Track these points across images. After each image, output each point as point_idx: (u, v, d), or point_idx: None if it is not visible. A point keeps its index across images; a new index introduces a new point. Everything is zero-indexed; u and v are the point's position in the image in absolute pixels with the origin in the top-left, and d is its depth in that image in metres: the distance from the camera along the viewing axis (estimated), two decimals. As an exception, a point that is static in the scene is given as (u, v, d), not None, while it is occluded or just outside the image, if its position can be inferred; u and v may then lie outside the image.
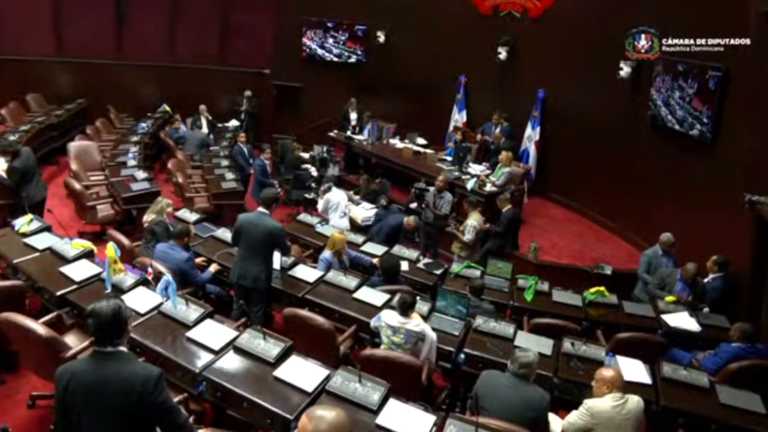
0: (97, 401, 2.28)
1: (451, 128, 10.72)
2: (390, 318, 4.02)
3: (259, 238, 4.54)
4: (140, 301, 3.91)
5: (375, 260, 5.66)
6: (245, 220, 4.65)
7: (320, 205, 7.62)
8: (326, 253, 5.38)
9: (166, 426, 2.42)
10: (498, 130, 9.51)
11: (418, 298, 4.58)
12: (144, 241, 5.44)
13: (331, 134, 10.40)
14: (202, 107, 10.66)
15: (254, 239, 4.55)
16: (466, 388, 4.02)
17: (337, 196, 7.51)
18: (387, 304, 4.58)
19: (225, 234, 5.54)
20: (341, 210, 7.43)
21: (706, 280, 5.67)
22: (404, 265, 5.55)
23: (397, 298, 4.22)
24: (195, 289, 4.84)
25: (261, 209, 4.67)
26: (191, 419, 3.08)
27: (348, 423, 2.03)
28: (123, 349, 2.39)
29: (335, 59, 11.57)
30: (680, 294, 5.54)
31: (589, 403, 3.33)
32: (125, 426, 2.31)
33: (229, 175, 8.10)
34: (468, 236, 6.62)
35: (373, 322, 4.22)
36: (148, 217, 5.57)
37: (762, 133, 5.69)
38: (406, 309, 3.99)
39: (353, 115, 10.63)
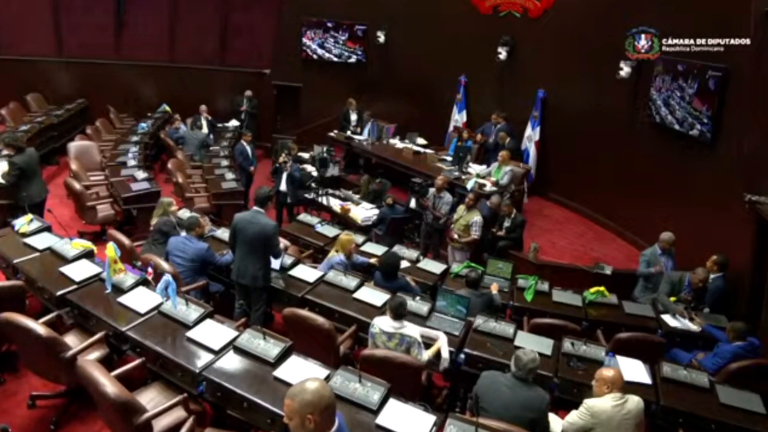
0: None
1: (451, 128, 10.72)
2: (384, 324, 3.93)
3: (254, 236, 4.57)
4: (140, 301, 3.91)
5: (373, 260, 5.65)
6: (241, 219, 4.69)
7: None
8: (339, 257, 5.28)
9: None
10: (497, 128, 9.50)
11: (410, 299, 4.59)
12: (150, 239, 5.46)
13: (331, 134, 10.40)
14: (202, 107, 10.64)
15: (250, 237, 4.58)
16: (466, 388, 4.02)
17: None
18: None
19: (225, 234, 5.53)
20: None
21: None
22: (404, 265, 5.53)
23: (389, 301, 4.15)
24: (202, 286, 4.90)
25: (256, 208, 4.72)
26: (191, 419, 3.10)
27: (326, 385, 2.11)
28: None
29: (335, 59, 11.57)
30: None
31: (589, 402, 3.33)
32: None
33: (229, 175, 8.11)
34: (476, 234, 6.64)
35: (370, 334, 4.03)
36: (155, 221, 5.57)
37: (762, 133, 5.69)
38: (399, 314, 3.90)
39: (353, 116, 10.63)
